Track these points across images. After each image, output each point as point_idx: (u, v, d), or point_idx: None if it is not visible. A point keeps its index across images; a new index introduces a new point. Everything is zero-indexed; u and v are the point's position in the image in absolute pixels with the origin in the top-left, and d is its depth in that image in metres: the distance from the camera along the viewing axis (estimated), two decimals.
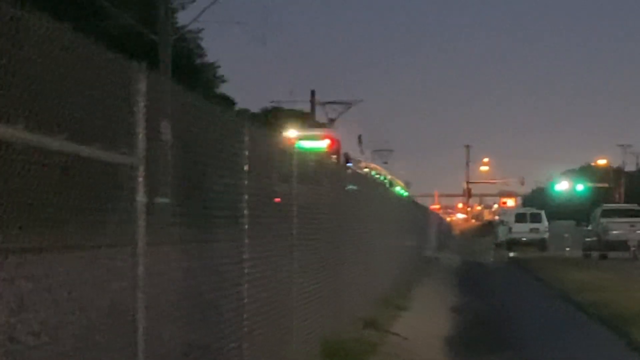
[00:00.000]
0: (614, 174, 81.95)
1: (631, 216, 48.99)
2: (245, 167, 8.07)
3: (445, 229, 78.95)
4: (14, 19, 4.44)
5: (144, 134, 5.74)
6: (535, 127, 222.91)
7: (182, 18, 40.27)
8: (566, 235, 59.71)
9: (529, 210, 65.05)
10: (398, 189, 43.65)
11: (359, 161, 37.68)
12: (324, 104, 52.84)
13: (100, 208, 5.45)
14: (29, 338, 4.76)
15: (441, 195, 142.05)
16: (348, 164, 25.81)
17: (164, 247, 6.36)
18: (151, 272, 5.82)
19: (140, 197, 5.70)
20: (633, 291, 22.87)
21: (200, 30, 43.21)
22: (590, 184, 77.41)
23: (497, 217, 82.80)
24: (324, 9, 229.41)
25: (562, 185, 78.35)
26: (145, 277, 5.71)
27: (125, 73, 5.60)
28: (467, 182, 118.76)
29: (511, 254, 54.04)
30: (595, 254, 47.76)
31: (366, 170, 35.91)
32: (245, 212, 8.03)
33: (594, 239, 49.16)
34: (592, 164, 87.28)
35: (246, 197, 8.06)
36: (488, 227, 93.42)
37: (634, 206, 51.63)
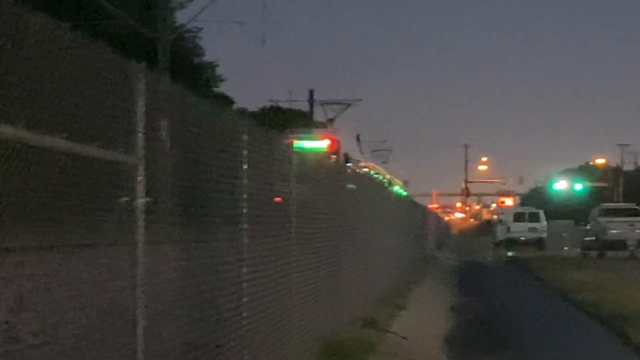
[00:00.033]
0: (613, 173, 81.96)
1: (629, 215, 49.04)
2: (245, 166, 8.07)
3: (443, 228, 78.97)
4: (14, 18, 4.44)
5: (144, 133, 5.74)
6: (534, 127, 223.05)
7: (181, 17, 40.28)
8: (564, 234, 59.71)
9: (527, 210, 65.07)
10: (397, 189, 43.64)
11: (358, 161, 37.69)
12: (322, 104, 52.83)
13: (100, 207, 5.45)
14: (29, 337, 4.76)
15: (439, 195, 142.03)
16: (348, 164, 25.84)
17: (164, 246, 6.36)
18: (150, 271, 5.82)
19: (140, 196, 5.70)
20: (632, 290, 22.88)
21: (199, 30, 43.21)
22: (588, 184, 77.40)
23: (495, 217, 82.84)
24: (323, 8, 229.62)
25: (561, 185, 78.32)
26: (144, 276, 5.72)
27: (125, 72, 5.61)
28: (466, 182, 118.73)
29: (509, 254, 54.05)
30: (593, 253, 47.79)
31: (365, 170, 35.93)
32: (245, 211, 8.03)
33: (593, 238, 49.22)
34: (591, 163, 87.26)
35: (245, 196, 8.06)
36: (486, 227, 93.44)
37: (633, 205, 51.67)
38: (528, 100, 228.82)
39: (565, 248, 55.33)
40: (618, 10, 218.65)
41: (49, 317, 4.92)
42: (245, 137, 8.10)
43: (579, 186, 76.59)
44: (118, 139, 5.55)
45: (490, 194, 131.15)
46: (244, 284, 7.95)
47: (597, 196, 70.50)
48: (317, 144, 28.95)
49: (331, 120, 43.56)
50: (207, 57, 45.92)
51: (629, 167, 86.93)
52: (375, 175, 36.23)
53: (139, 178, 5.69)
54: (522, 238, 59.59)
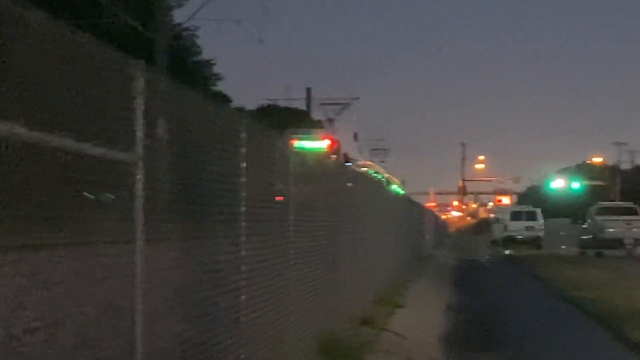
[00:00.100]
0: (610, 172, 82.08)
1: (627, 214, 49.13)
2: (243, 165, 8.07)
3: (441, 226, 79.03)
4: (12, 16, 4.43)
5: (143, 131, 5.74)
6: (531, 125, 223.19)
7: (179, 16, 40.26)
8: (562, 233, 59.85)
9: (524, 208, 65.20)
10: (395, 187, 43.67)
11: (357, 160, 37.79)
12: (321, 104, 52.90)
13: (98, 205, 5.45)
14: (27, 335, 4.75)
15: (437, 193, 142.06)
16: (347, 164, 25.96)
17: (162, 244, 6.36)
18: (149, 268, 5.82)
19: (139, 194, 5.70)
20: (630, 289, 22.91)
21: (196, 28, 43.24)
22: (585, 182, 77.51)
23: (492, 215, 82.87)
24: (320, 7, 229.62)
25: (558, 183, 78.42)
26: (142, 273, 5.71)
27: (124, 70, 5.60)
28: (463, 180, 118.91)
29: (507, 252, 54.12)
30: (591, 252, 47.85)
31: (364, 169, 36.00)
32: (243, 209, 8.03)
33: (590, 236, 49.28)
34: (588, 162, 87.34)
35: (244, 194, 8.06)
36: (484, 225, 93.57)
37: (630, 204, 51.75)
38: (525, 99, 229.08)
39: (563, 247, 55.42)
40: (616, 9, 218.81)
41: (46, 315, 4.91)
42: (243, 135, 8.10)
43: (576, 185, 76.69)
44: (117, 136, 5.55)
45: (487, 193, 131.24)
46: (242, 282, 7.95)
47: (594, 195, 70.59)
48: (317, 144, 29.14)
49: (331, 121, 43.69)
50: (205, 56, 45.98)
51: (626, 165, 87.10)
52: (374, 174, 36.26)
53: (138, 176, 5.69)
54: (519, 237, 59.71)
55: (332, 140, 31.06)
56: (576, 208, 65.47)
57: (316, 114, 55.13)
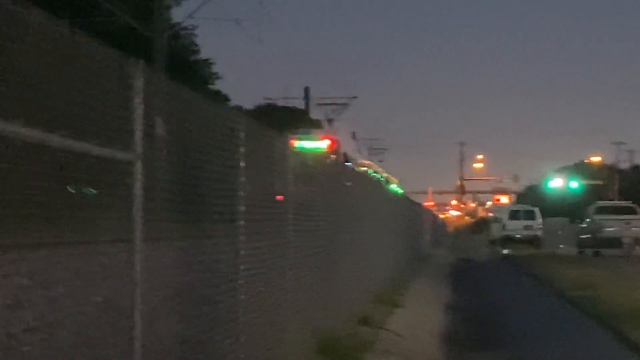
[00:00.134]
0: (608, 171, 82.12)
1: (625, 213, 49.14)
2: (242, 164, 8.06)
3: (439, 226, 79.05)
4: (11, 15, 4.43)
5: (142, 130, 5.74)
6: (530, 125, 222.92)
7: (177, 15, 40.29)
8: (560, 232, 59.83)
9: (522, 208, 65.15)
10: (393, 187, 43.71)
11: (357, 160, 37.85)
12: (320, 104, 52.94)
13: (98, 204, 5.45)
14: (26, 335, 4.75)
15: (435, 192, 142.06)
16: (347, 164, 26.08)
17: (162, 243, 6.36)
18: (148, 268, 5.82)
19: (138, 193, 5.70)
20: (629, 289, 22.91)
21: (195, 27, 43.23)
22: (584, 182, 77.53)
23: (490, 214, 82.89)
24: (319, 6, 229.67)
25: (556, 183, 78.45)
26: (142, 273, 5.71)
27: (123, 69, 5.60)
28: (461, 179, 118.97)
29: (505, 251, 54.13)
30: (589, 251, 47.87)
31: (363, 168, 36.08)
32: (242, 208, 8.03)
33: (588, 236, 49.29)
34: (586, 161, 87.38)
35: (242, 194, 8.06)
36: (482, 224, 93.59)
37: (628, 203, 51.76)
38: (524, 98, 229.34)
39: (561, 246, 55.41)
40: (614, 9, 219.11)
41: (45, 314, 4.91)
42: (242, 134, 8.10)
43: (574, 184, 76.72)
44: (116, 136, 5.55)
45: (485, 192, 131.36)
46: (240, 282, 7.95)
47: (592, 194, 70.63)
48: (317, 144, 29.30)
49: (330, 121, 43.77)
50: (203, 55, 45.96)
51: (624, 165, 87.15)
52: (373, 174, 36.32)
53: (137, 175, 5.69)
54: (518, 236, 59.66)
55: (332, 140, 31.20)
56: (574, 207, 65.46)
57: (315, 114, 55.14)
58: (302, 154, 12.27)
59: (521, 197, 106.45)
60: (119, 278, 5.61)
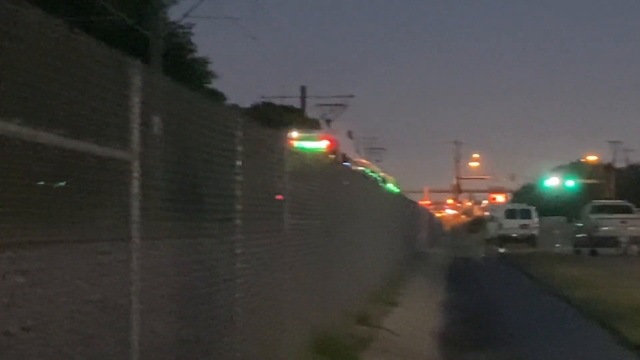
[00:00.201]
0: (604, 170, 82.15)
1: (621, 212, 49.17)
2: (239, 163, 8.06)
3: (435, 225, 79.10)
4: (9, 13, 4.43)
5: (139, 129, 5.74)
6: (526, 124, 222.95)
7: (173, 13, 40.23)
8: (556, 231, 59.89)
9: (519, 206, 65.14)
10: (390, 186, 43.72)
11: (354, 160, 37.91)
12: (318, 105, 52.95)
13: (95, 203, 5.44)
14: (22, 333, 4.75)
15: (431, 191, 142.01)
16: (346, 164, 26.17)
17: (158, 241, 6.36)
18: (145, 266, 5.81)
19: (135, 192, 5.69)
20: (625, 288, 22.95)
21: (191, 26, 43.15)
22: (580, 180, 77.57)
23: (486, 213, 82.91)
24: (315, 5, 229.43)
25: (553, 182, 78.48)
26: (139, 271, 5.71)
27: (120, 68, 5.60)
28: (457, 178, 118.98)
29: (501, 250, 54.16)
30: (585, 250, 47.92)
31: (361, 167, 36.13)
32: (239, 207, 8.02)
33: (584, 235, 49.34)
34: (583, 160, 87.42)
35: (239, 192, 8.06)
36: (478, 223, 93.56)
37: (624, 202, 51.81)
38: (520, 97, 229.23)
39: (557, 245, 55.47)
40: (615, 9, 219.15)
41: (42, 312, 4.91)
42: (239, 133, 8.09)
43: (570, 183, 76.76)
44: (113, 134, 5.55)
45: (482, 191, 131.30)
46: (237, 280, 7.95)
47: (588, 193, 70.63)
48: (316, 144, 29.44)
49: (328, 122, 43.85)
50: (199, 54, 45.89)
51: (620, 164, 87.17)
52: (370, 173, 36.36)
53: (134, 174, 5.69)
54: (514, 235, 59.67)
55: (330, 140, 31.36)
56: (571, 206, 65.50)
57: (311, 113, 55.12)
58: (300, 153, 12.27)
59: (517, 196, 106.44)
60: (116, 276, 5.61)
